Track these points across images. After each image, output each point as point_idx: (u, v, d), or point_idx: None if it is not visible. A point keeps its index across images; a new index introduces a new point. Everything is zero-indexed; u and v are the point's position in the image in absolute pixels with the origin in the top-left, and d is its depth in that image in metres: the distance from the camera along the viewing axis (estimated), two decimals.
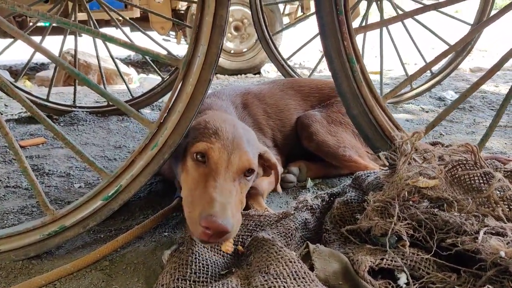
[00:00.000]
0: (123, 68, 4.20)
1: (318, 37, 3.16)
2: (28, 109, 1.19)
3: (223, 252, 1.29)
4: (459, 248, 1.04)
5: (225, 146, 1.24)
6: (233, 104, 1.78)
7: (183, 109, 1.22)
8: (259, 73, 5.57)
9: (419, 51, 3.09)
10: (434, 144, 1.97)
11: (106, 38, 1.18)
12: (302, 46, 3.09)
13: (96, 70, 4.04)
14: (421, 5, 1.78)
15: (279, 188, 1.55)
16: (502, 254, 0.95)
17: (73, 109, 2.87)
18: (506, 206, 1.11)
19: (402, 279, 1.06)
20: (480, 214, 1.09)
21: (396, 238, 1.10)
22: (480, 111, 2.96)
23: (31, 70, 5.83)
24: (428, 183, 1.15)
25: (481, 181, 1.19)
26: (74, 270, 1.24)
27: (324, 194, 1.49)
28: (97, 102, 3.35)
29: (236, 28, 5.38)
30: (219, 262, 1.25)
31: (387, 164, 1.21)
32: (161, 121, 1.24)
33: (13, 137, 1.22)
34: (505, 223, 1.06)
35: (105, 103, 2.95)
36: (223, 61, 5.25)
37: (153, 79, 3.53)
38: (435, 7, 1.34)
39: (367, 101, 1.25)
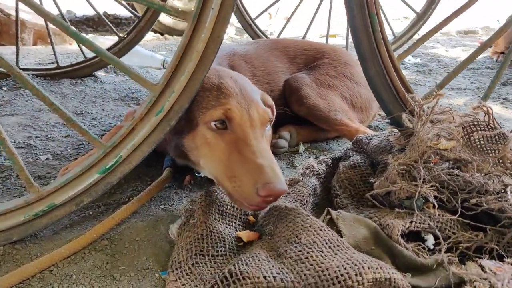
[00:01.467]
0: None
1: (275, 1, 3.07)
2: (7, 69, 0.99)
3: (234, 223, 1.22)
4: (483, 207, 1.05)
5: (240, 103, 1.14)
6: (220, 66, 1.65)
7: (193, 69, 1.09)
8: None
9: (386, 19, 3.11)
10: None
11: None
12: (269, 6, 2.96)
13: (32, 28, 3.58)
14: None
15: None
16: None
17: None
18: None
19: (430, 240, 1.06)
20: (500, 173, 1.11)
21: (423, 200, 1.09)
22: (439, 74, 3.07)
23: None
24: (448, 145, 1.14)
25: (491, 141, 1.21)
26: (70, 253, 1.10)
27: (327, 158, 1.45)
28: (40, 64, 3.00)
29: None
30: (233, 234, 1.17)
31: (410, 125, 1.18)
32: (165, 83, 1.10)
33: None
34: None
35: (54, 65, 2.64)
36: (170, 20, 4.93)
37: (104, 39, 3.21)
38: None
39: (385, 61, 1.20)
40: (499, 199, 1.05)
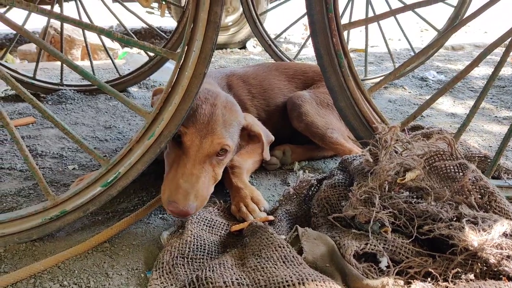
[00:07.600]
0: (108, 42, 4.14)
1: (304, 14, 3.20)
2: (14, 89, 1.20)
3: (220, 233, 1.39)
4: (435, 233, 1.14)
5: (199, 131, 1.37)
6: (219, 86, 1.84)
7: (179, 101, 1.27)
8: (244, 47, 5.55)
9: (404, 34, 3.15)
10: (415, 127, 2.07)
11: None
12: (288, 26, 3.12)
13: (80, 44, 3.98)
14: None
15: (266, 155, 1.59)
16: (475, 244, 1.06)
17: (61, 87, 2.87)
18: (479, 195, 1.22)
19: (383, 262, 1.16)
20: (455, 202, 1.20)
21: (380, 225, 1.20)
22: (460, 92, 3.06)
23: (10, 42, 5.67)
24: (412, 176, 1.24)
25: (456, 170, 1.29)
26: (72, 256, 1.29)
27: (314, 180, 1.56)
28: (83, 79, 3.33)
29: None
30: (216, 241, 1.34)
31: (370, 158, 1.29)
32: (157, 112, 1.30)
33: (12, 124, 1.26)
34: (477, 211, 1.17)
35: None
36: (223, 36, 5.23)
37: (139, 57, 3.50)
38: (413, 7, 1.42)
39: (354, 94, 1.32)
40: (449, 227, 1.14)
